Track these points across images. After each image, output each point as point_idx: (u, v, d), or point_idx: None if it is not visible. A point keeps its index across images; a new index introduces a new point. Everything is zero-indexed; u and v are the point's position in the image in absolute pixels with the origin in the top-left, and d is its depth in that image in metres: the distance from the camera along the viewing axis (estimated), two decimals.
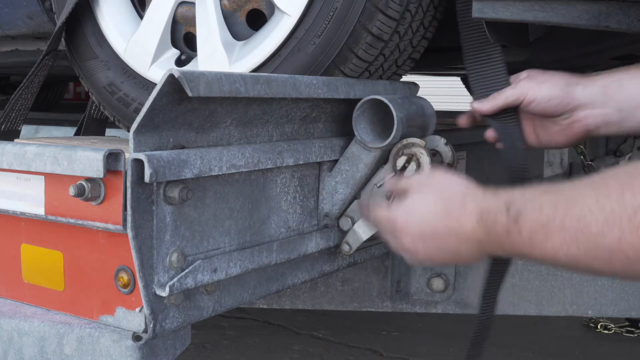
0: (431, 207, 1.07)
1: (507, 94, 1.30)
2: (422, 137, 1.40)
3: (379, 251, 1.65)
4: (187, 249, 1.13)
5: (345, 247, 1.44)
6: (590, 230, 0.87)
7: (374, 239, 1.46)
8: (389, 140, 1.33)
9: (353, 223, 1.42)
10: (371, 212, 1.20)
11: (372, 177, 1.41)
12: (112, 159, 1.06)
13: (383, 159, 1.39)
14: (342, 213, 1.43)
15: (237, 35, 1.56)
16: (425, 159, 1.34)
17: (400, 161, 1.36)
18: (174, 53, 1.64)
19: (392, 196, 1.21)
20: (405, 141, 1.36)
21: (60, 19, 1.65)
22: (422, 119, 1.43)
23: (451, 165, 1.45)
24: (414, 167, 1.35)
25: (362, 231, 1.41)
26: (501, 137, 1.32)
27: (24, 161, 1.16)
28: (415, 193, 1.11)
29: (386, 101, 1.32)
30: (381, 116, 1.36)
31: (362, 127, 1.37)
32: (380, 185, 1.39)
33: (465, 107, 1.53)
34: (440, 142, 1.45)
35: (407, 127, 1.34)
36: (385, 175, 1.39)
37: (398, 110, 1.31)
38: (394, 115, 1.31)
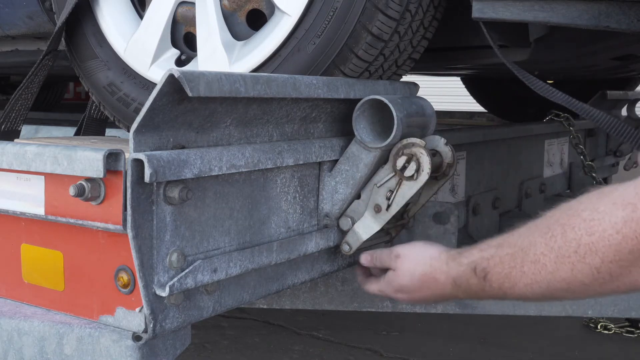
0: (413, 284, 1.30)
1: None
2: (422, 137, 1.40)
3: None
4: (187, 249, 1.13)
5: (345, 247, 1.44)
6: (547, 269, 1.03)
7: (374, 239, 1.46)
8: (389, 140, 1.33)
9: (353, 223, 1.42)
10: (365, 286, 1.43)
11: (372, 177, 1.40)
12: (112, 159, 1.06)
13: (383, 159, 1.39)
14: (342, 213, 1.43)
15: (237, 35, 1.56)
16: (425, 159, 1.34)
17: (400, 161, 1.36)
18: (174, 53, 1.64)
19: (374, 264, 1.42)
20: (405, 141, 1.36)
21: (60, 19, 1.65)
22: (422, 119, 1.43)
23: (451, 165, 1.45)
24: (414, 167, 1.35)
25: (362, 231, 1.41)
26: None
27: (24, 161, 1.16)
28: (394, 276, 1.34)
29: (386, 101, 1.32)
30: (381, 116, 1.36)
31: (362, 127, 1.37)
32: (381, 186, 1.39)
33: (465, 107, 1.53)
34: (440, 142, 1.45)
35: (407, 127, 1.34)
36: (385, 176, 1.39)
37: (398, 110, 1.31)
38: (394, 115, 1.31)
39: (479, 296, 1.19)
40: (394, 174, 1.38)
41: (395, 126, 1.31)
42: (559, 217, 1.02)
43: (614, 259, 0.95)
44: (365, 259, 1.42)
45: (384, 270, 1.38)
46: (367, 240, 1.42)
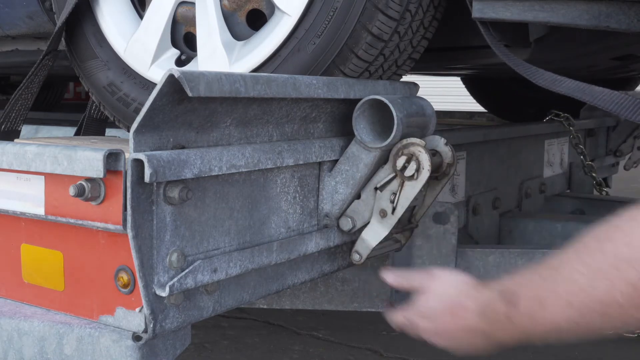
0: (441, 308, 1.19)
1: None
2: (422, 137, 1.40)
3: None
4: (187, 249, 1.13)
5: (356, 257, 1.42)
6: (581, 287, 0.93)
7: (384, 247, 1.45)
8: (389, 140, 1.33)
9: (353, 223, 1.42)
10: (391, 318, 1.30)
11: (372, 177, 1.40)
12: (112, 159, 1.06)
13: (383, 159, 1.39)
14: (342, 213, 1.43)
15: (237, 35, 1.56)
16: (425, 157, 1.34)
17: (400, 161, 1.36)
18: (174, 53, 1.64)
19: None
20: (405, 141, 1.36)
21: (60, 19, 1.65)
22: (422, 119, 1.43)
23: (451, 165, 1.45)
24: (414, 166, 1.35)
25: (370, 238, 1.40)
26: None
27: (24, 161, 1.16)
28: (422, 299, 1.23)
29: (386, 101, 1.32)
30: (381, 116, 1.36)
31: (362, 127, 1.37)
32: (383, 188, 1.39)
33: (465, 107, 1.53)
34: (440, 142, 1.45)
35: (407, 127, 1.34)
36: (385, 176, 1.39)
37: (398, 110, 1.31)
38: (394, 115, 1.31)
39: (505, 330, 1.07)
40: (394, 174, 1.38)
41: (395, 126, 1.31)
42: (597, 234, 0.94)
43: None
44: (390, 277, 1.31)
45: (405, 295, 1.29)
46: (377, 247, 1.42)
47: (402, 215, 1.39)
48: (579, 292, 0.93)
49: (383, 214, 1.39)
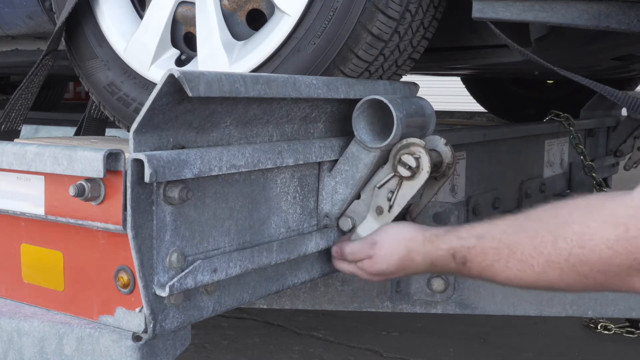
0: (389, 268, 1.34)
1: None
2: (421, 137, 1.40)
3: None
4: (187, 249, 1.13)
5: None
6: (534, 270, 1.10)
7: None
8: (388, 140, 1.33)
9: (353, 223, 1.42)
10: (337, 265, 1.43)
11: (372, 177, 1.40)
12: (112, 159, 1.06)
13: (383, 159, 1.39)
14: (342, 213, 1.43)
15: (237, 35, 1.56)
16: (424, 157, 1.34)
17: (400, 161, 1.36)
18: (174, 53, 1.64)
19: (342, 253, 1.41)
20: (405, 141, 1.36)
21: (60, 19, 1.65)
22: (422, 119, 1.43)
23: (451, 165, 1.45)
24: (414, 166, 1.35)
25: (365, 234, 1.40)
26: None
27: (24, 161, 1.16)
28: (372, 261, 1.35)
29: (386, 101, 1.32)
30: (381, 116, 1.36)
31: (361, 127, 1.37)
32: (381, 187, 1.39)
33: (465, 107, 1.53)
34: (440, 142, 1.45)
35: (406, 127, 1.34)
36: (385, 176, 1.39)
37: (398, 110, 1.31)
38: (394, 115, 1.31)
39: (454, 275, 1.32)
40: (393, 174, 1.38)
41: (395, 126, 1.31)
42: (547, 223, 1.10)
43: (601, 269, 1.02)
44: (336, 252, 1.41)
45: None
46: None
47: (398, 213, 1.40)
48: (532, 272, 1.10)
49: (379, 211, 1.39)
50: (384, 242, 1.34)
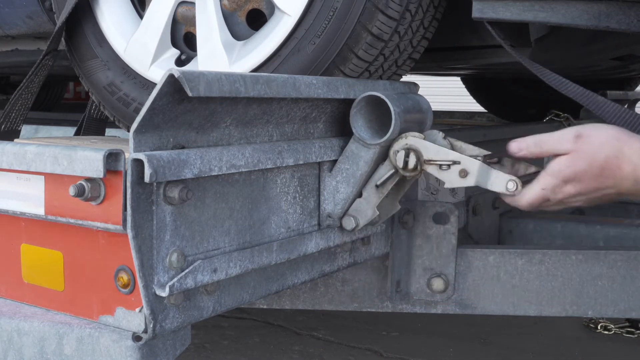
0: (592, 170, 1.11)
1: None
2: (420, 132, 1.40)
3: (379, 251, 1.64)
4: (187, 249, 1.13)
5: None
6: None
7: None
8: (387, 135, 1.33)
9: (356, 222, 1.42)
10: (522, 198, 1.22)
11: (372, 174, 1.40)
12: (112, 159, 1.06)
13: (382, 156, 1.39)
14: (345, 212, 1.43)
15: (237, 35, 1.56)
16: (425, 146, 1.34)
17: (400, 156, 1.36)
18: (174, 53, 1.64)
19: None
20: (403, 136, 1.36)
21: (60, 19, 1.65)
22: (419, 114, 1.43)
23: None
24: (414, 159, 1.35)
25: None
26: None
27: (24, 161, 1.16)
28: (571, 157, 1.14)
29: (382, 97, 1.32)
30: (378, 114, 1.36)
31: (360, 125, 1.37)
32: (381, 185, 1.39)
33: (465, 107, 1.53)
34: (438, 136, 1.45)
35: (404, 122, 1.34)
36: (385, 172, 1.39)
37: (395, 106, 1.31)
38: (391, 110, 1.31)
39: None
40: (394, 170, 1.38)
41: (393, 121, 1.31)
42: None
43: None
44: (517, 147, 1.22)
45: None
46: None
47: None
48: None
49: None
50: (592, 137, 1.13)
